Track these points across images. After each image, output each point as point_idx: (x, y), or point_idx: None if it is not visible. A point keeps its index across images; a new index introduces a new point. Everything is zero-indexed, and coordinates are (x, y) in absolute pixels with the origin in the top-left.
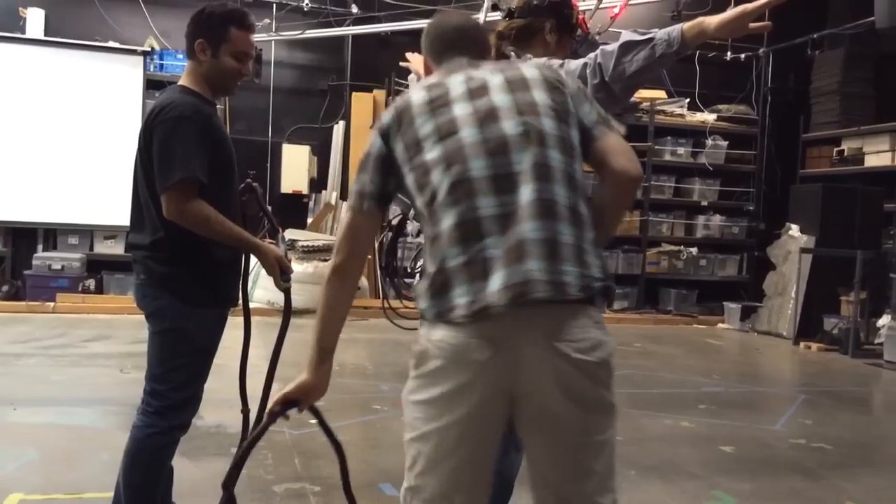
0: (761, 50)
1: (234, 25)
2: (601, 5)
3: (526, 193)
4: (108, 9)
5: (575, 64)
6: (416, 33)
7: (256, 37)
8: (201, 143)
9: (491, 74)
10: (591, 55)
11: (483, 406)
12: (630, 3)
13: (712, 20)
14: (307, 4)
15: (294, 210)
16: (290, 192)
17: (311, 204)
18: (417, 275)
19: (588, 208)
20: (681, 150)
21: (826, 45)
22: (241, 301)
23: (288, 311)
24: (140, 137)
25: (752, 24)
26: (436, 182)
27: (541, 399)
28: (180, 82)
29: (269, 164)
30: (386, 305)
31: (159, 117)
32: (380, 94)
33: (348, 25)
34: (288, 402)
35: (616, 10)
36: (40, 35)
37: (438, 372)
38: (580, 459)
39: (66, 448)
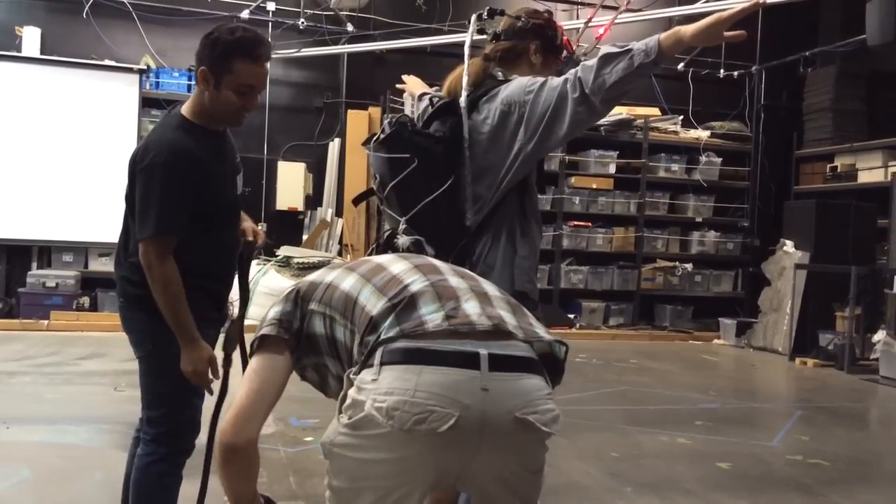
0: (754, 67)
1: (241, 57)
2: (589, 26)
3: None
4: (103, 27)
5: (557, 81)
6: (411, 51)
7: None
8: (182, 192)
9: None
10: (572, 71)
11: (427, 480)
12: (616, 22)
13: (688, 29)
14: (303, 23)
15: (289, 227)
16: (286, 208)
17: (307, 221)
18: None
19: None
20: (675, 167)
21: (818, 62)
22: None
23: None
24: (129, 168)
25: (726, 33)
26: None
27: (499, 472)
28: (182, 109)
29: (264, 182)
30: None
31: (145, 161)
32: (375, 111)
33: (344, 44)
34: None
35: (601, 31)
36: (36, 53)
37: (384, 438)
38: None
39: (59, 467)
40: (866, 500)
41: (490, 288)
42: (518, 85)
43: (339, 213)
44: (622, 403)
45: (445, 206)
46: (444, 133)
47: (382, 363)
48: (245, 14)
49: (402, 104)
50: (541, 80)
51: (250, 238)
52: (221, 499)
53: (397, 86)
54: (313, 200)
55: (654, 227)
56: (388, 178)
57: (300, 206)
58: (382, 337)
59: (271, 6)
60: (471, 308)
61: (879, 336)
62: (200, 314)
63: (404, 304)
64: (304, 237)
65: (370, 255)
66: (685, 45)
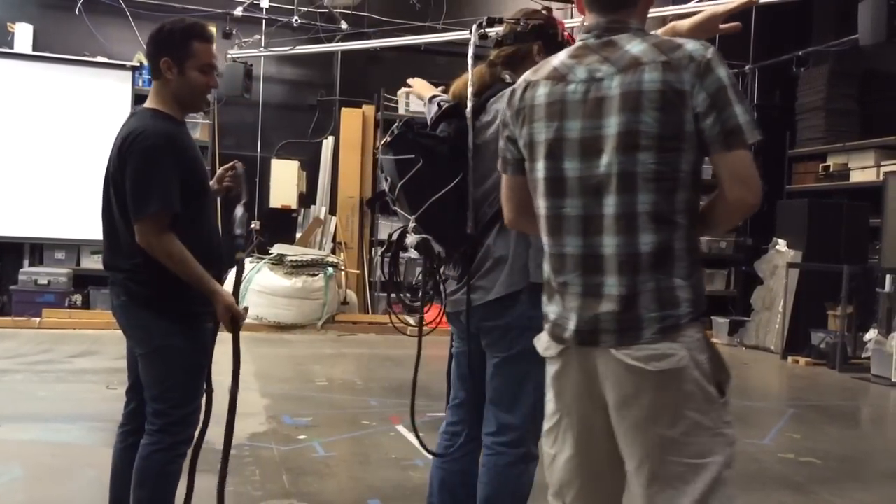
0: (747, 67)
1: (196, 39)
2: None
3: (609, 245)
4: (96, 24)
5: None
6: (405, 49)
7: (247, 52)
8: (175, 172)
9: (612, 78)
10: None
11: (577, 412)
12: None
13: (684, 24)
14: (297, 20)
15: (283, 225)
16: (279, 207)
17: (300, 219)
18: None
19: (687, 240)
20: None
21: (811, 61)
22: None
23: (237, 363)
24: (111, 162)
25: (721, 25)
26: (539, 204)
27: (613, 403)
28: (148, 104)
29: (258, 180)
30: (395, 320)
31: (133, 145)
32: (369, 109)
33: (338, 41)
34: None
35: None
36: (28, 50)
37: (548, 361)
38: (663, 476)
39: (51, 465)
40: (858, 498)
41: (612, 272)
42: None
43: (332, 211)
44: None
45: (453, 204)
46: (449, 133)
47: None
48: (238, 11)
49: (396, 103)
50: None
51: (230, 172)
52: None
53: (404, 89)
54: (307, 198)
55: None
56: (396, 178)
57: (294, 204)
58: None
59: (265, 3)
60: (571, 321)
61: (871, 335)
62: (194, 309)
63: (545, 292)
64: (298, 235)
65: (383, 254)
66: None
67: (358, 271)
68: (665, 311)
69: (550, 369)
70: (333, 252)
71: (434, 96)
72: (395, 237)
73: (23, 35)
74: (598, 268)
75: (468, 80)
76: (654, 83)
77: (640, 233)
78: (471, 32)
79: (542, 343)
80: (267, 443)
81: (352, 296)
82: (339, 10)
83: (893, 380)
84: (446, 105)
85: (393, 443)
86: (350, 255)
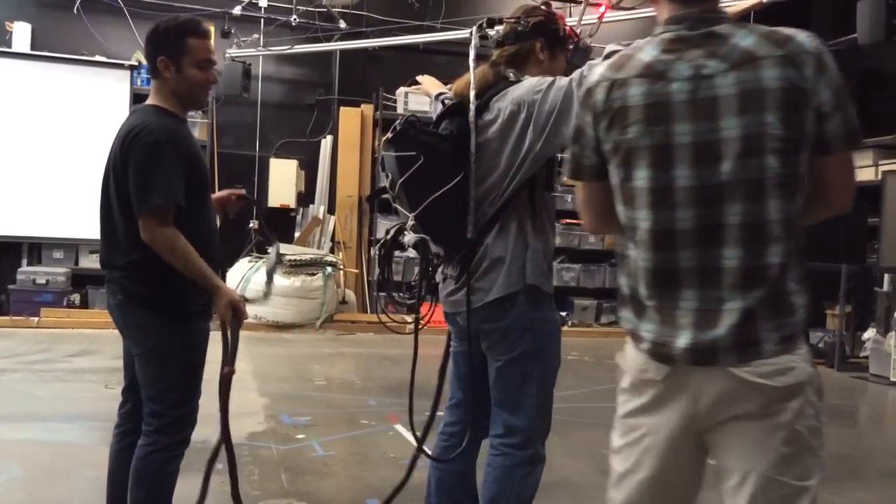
0: None
1: (191, 35)
2: (583, 19)
3: (731, 257)
4: (94, 23)
5: (564, 80)
6: (404, 49)
7: (245, 52)
8: (179, 166)
9: (724, 74)
10: (578, 71)
11: (667, 431)
12: (611, 20)
13: None
14: (295, 20)
15: (281, 224)
16: (278, 206)
17: (299, 218)
18: (415, 288)
19: (799, 242)
20: None
21: None
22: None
23: (233, 355)
24: (113, 158)
25: None
26: (640, 216)
27: (722, 419)
28: (150, 101)
29: (256, 179)
30: (385, 320)
31: (136, 141)
32: (367, 108)
33: (336, 41)
34: None
35: (602, 10)
36: (27, 49)
37: (628, 389)
38: (770, 497)
39: (49, 464)
40: (856, 496)
41: (730, 297)
42: (528, 84)
43: (331, 210)
44: (614, 401)
45: (453, 202)
46: (451, 131)
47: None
48: (237, 10)
49: (395, 102)
50: (550, 79)
51: (234, 198)
52: (219, 499)
53: (412, 89)
54: (305, 197)
55: None
56: (397, 175)
57: (292, 204)
58: (622, 323)
59: (263, 2)
60: (682, 339)
61: (869, 334)
62: (191, 307)
63: (635, 309)
64: (296, 234)
65: (379, 251)
66: None
67: (356, 270)
68: (783, 320)
69: (647, 390)
70: (332, 251)
71: (440, 94)
72: (390, 235)
73: (21, 34)
74: (717, 282)
75: (470, 79)
76: (775, 80)
77: (769, 242)
78: (471, 35)
79: (636, 363)
80: (266, 442)
81: (350, 295)
82: (337, 10)
83: (892, 379)
84: (449, 103)
85: (392, 442)
86: (349, 255)
